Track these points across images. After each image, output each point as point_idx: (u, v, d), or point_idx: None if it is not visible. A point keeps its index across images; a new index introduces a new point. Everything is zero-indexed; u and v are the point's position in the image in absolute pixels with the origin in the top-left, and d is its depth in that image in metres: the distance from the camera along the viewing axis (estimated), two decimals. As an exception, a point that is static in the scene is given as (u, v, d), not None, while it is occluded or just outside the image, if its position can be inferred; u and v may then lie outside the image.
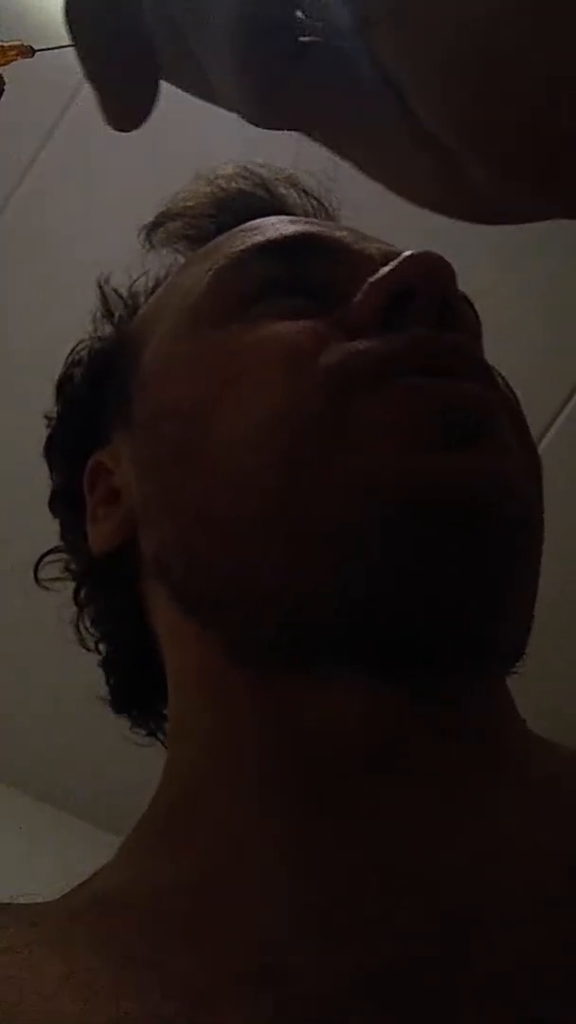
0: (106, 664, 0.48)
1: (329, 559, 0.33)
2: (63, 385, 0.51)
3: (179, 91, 0.25)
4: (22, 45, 0.28)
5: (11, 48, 0.27)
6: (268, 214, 0.46)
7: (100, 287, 0.52)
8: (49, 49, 0.27)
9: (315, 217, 0.49)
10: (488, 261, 1.01)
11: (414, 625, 0.33)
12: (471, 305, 0.43)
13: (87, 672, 0.49)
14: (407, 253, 0.37)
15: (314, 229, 0.43)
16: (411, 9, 0.19)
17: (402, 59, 0.20)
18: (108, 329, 0.50)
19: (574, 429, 1.24)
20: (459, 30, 0.19)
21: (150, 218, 0.52)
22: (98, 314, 0.51)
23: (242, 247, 0.42)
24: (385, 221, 0.45)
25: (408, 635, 0.33)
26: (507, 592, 0.35)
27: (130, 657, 0.46)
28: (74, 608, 0.49)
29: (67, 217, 1.26)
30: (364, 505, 0.33)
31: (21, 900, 0.35)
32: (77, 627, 0.49)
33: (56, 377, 0.52)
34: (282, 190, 0.50)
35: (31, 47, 0.28)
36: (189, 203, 0.50)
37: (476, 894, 0.30)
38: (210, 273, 0.42)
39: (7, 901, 0.35)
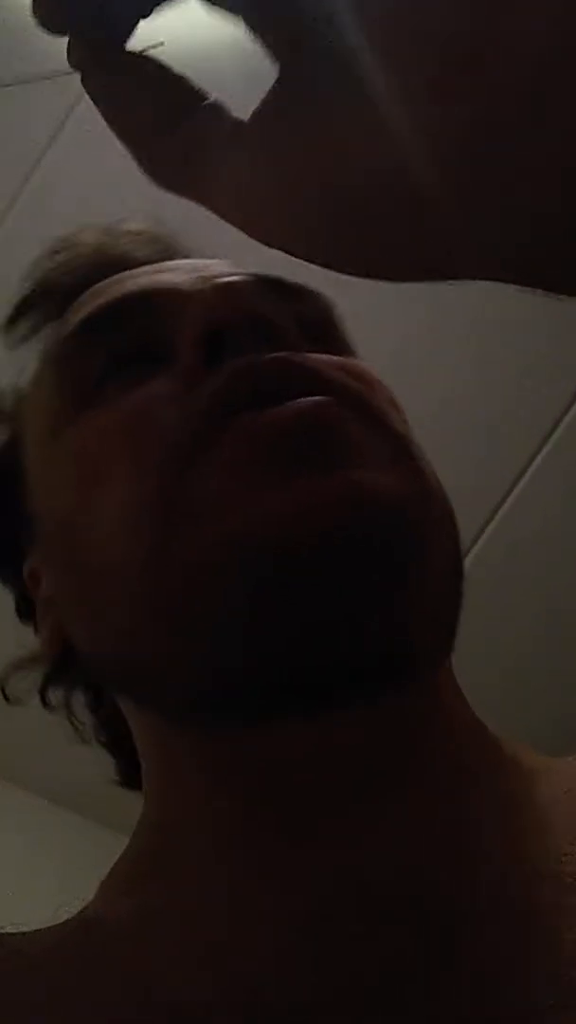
0: (107, 749, 0.49)
1: (206, 630, 0.33)
2: None
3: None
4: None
5: None
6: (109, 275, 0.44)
7: None
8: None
9: (161, 260, 0.46)
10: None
11: (309, 664, 0.33)
12: (303, 297, 0.41)
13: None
14: (201, 292, 0.37)
15: (134, 286, 0.41)
16: None
17: None
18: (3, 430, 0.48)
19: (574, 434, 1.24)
20: None
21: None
22: None
23: (71, 328, 0.41)
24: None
25: (308, 674, 0.33)
26: (395, 598, 0.33)
27: (120, 741, 0.46)
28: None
29: (70, 218, 1.26)
30: (225, 565, 0.33)
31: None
32: (71, 721, 0.50)
33: None
34: (122, 246, 0.47)
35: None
36: (40, 287, 0.48)
37: (458, 906, 0.30)
38: (51, 365, 0.42)
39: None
